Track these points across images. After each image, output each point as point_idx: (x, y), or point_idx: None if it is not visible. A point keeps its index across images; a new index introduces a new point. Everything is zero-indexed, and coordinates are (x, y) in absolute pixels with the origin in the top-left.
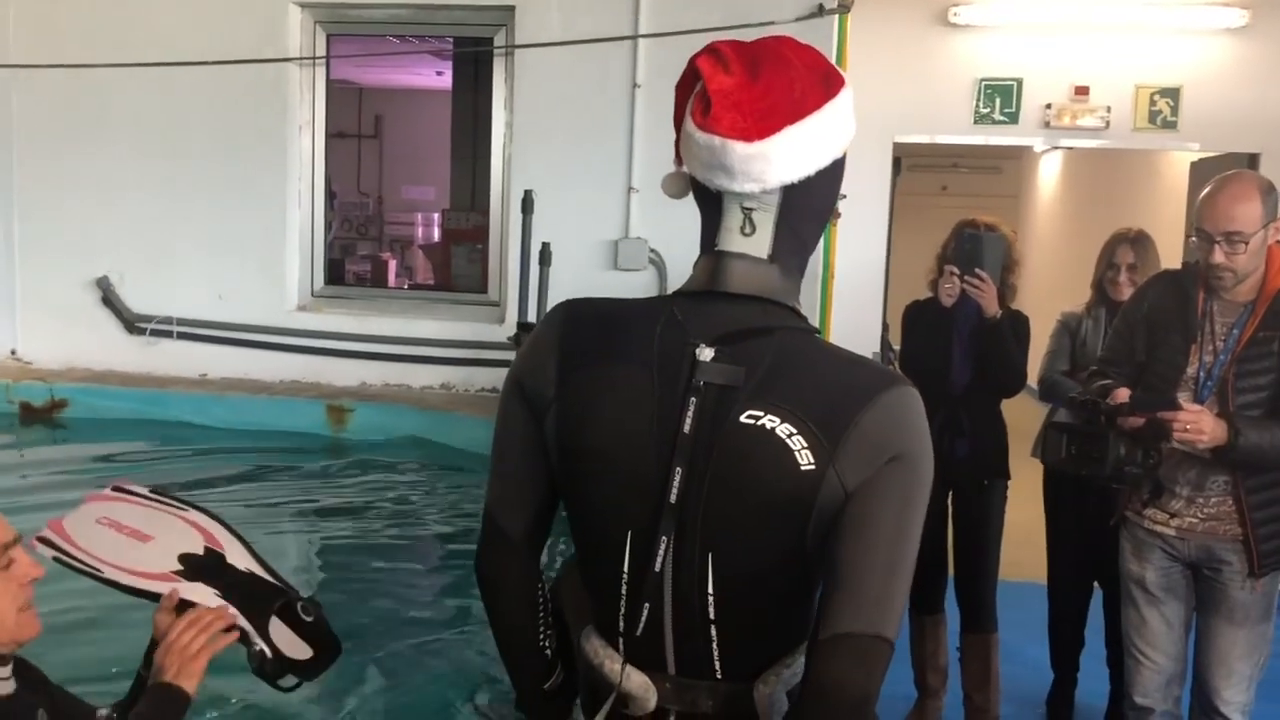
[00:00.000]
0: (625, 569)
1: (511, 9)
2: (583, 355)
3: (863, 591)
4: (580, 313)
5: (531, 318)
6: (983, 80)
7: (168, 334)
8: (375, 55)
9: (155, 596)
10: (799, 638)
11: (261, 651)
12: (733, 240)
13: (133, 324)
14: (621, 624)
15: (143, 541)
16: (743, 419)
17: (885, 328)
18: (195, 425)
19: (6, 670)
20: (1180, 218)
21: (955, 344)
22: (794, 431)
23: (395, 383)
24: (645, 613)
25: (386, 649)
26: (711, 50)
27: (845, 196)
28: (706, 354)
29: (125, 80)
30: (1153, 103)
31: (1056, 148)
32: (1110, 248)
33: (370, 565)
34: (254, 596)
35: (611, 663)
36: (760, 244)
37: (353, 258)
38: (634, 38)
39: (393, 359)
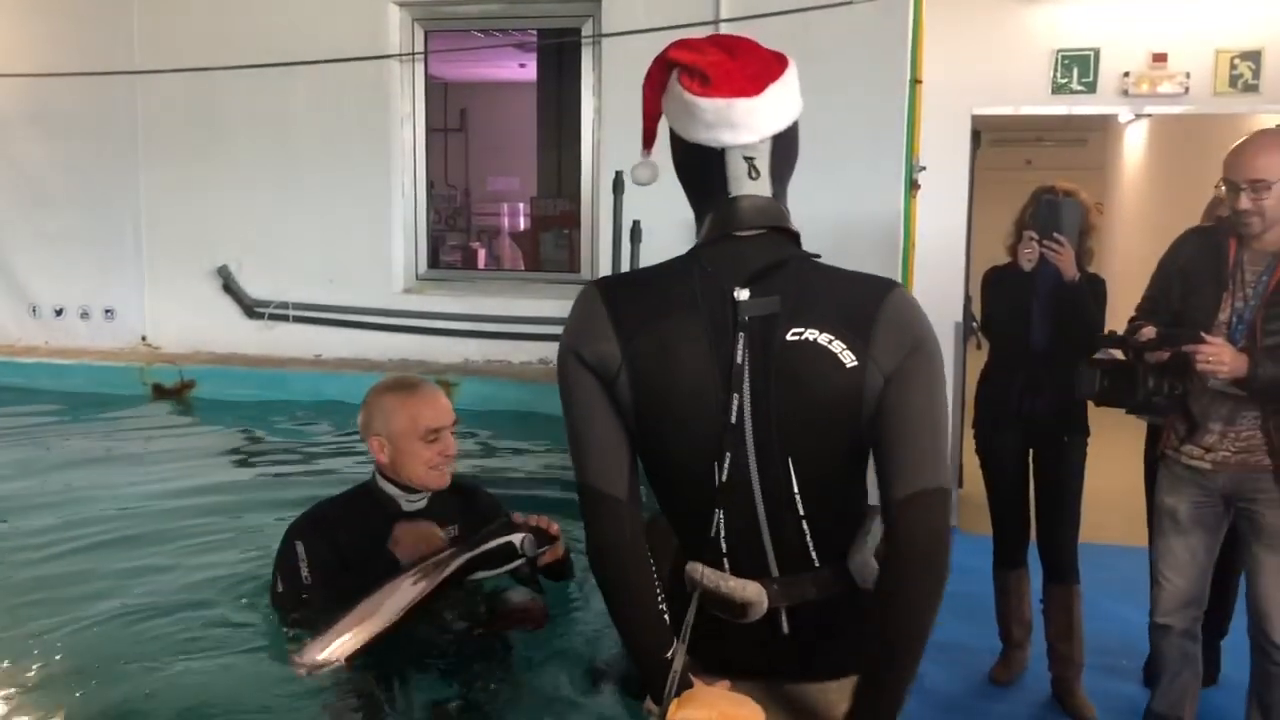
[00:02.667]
0: (718, 494)
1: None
2: (636, 319)
3: (921, 456)
4: (615, 285)
5: None
6: (1059, 51)
7: (284, 318)
8: (470, 50)
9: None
10: (863, 507)
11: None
12: (743, 185)
13: (251, 309)
14: (724, 545)
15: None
16: (788, 338)
17: (968, 299)
18: (311, 401)
19: (420, 499)
20: None
21: (1034, 307)
22: (832, 338)
23: (496, 359)
24: (744, 526)
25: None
26: (682, 44)
27: (924, 168)
28: (743, 294)
29: (239, 82)
30: (1233, 66)
31: (1140, 116)
32: (1212, 208)
33: None
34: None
35: (725, 580)
36: (764, 185)
37: (444, 248)
38: (715, 22)
39: (493, 336)
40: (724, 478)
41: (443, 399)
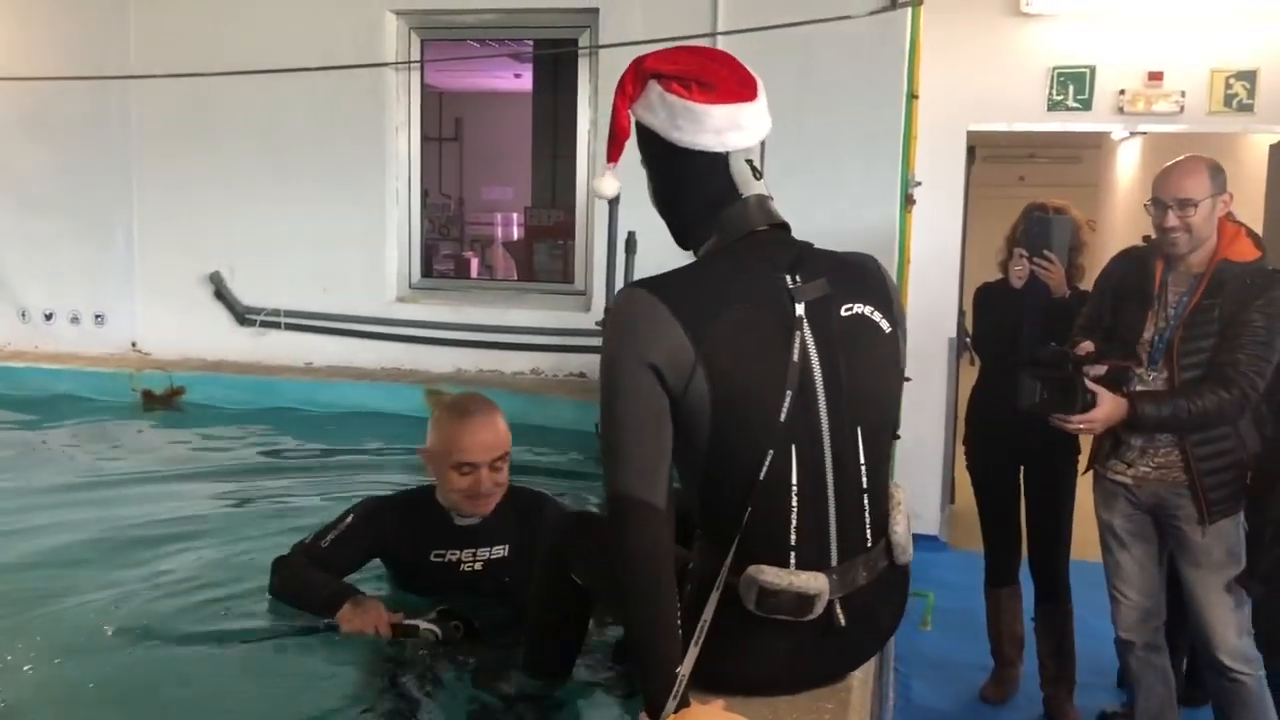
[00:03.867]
0: (795, 482)
1: (595, 11)
2: (700, 316)
3: None
4: (663, 286)
5: None
6: (1055, 68)
7: (275, 325)
8: (467, 59)
9: None
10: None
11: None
12: (752, 185)
13: (243, 316)
14: (793, 537)
15: None
16: (843, 314)
17: (961, 315)
18: (303, 410)
19: (472, 517)
20: (1260, 200)
21: (1025, 324)
22: (874, 309)
23: (489, 369)
24: (813, 512)
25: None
26: (660, 56)
27: (920, 184)
28: (795, 281)
29: (235, 88)
30: (1228, 86)
31: (1134, 134)
32: None
33: None
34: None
35: (795, 576)
36: (765, 184)
37: (437, 257)
38: (712, 35)
39: (486, 346)
40: (801, 460)
41: (491, 432)
